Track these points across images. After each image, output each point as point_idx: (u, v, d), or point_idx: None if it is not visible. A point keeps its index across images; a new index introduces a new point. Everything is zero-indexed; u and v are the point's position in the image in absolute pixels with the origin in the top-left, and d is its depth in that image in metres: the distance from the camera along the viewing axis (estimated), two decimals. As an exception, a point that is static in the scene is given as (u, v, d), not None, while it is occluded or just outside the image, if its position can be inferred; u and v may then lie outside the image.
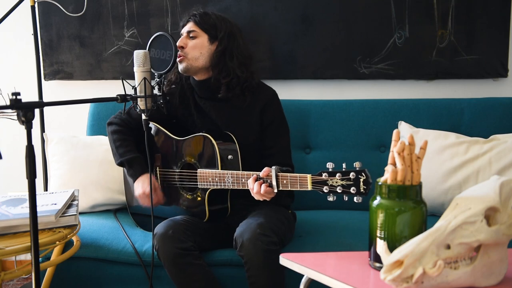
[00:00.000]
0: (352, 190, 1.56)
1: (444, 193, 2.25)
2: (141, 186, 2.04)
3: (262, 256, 1.77)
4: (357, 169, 1.53)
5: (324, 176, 1.61)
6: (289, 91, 2.61)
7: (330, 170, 1.59)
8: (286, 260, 1.42)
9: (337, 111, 2.51)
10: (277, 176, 1.73)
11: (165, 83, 2.20)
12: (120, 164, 2.11)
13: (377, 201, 1.30)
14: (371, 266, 1.34)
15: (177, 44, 2.04)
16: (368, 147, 2.47)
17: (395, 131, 1.33)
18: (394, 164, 1.28)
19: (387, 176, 1.29)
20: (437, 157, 2.29)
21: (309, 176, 1.65)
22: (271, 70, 2.59)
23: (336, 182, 1.59)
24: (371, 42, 2.55)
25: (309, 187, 1.66)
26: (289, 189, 1.72)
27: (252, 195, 1.81)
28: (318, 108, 2.52)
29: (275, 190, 1.75)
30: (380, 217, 1.28)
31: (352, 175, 1.55)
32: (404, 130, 2.37)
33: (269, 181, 1.75)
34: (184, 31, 2.09)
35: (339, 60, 2.58)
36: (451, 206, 1.19)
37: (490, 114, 2.43)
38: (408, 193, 1.27)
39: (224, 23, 2.08)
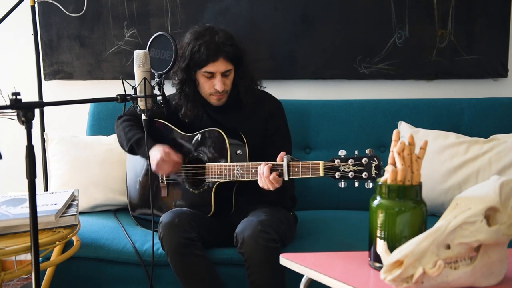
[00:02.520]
0: (364, 175, 1.63)
1: (444, 193, 2.25)
2: (155, 155, 1.96)
3: (263, 253, 1.78)
4: (369, 155, 1.61)
5: (337, 162, 1.67)
6: (289, 91, 2.61)
7: (342, 156, 1.65)
8: (286, 260, 1.42)
9: (337, 111, 2.51)
10: (288, 164, 1.76)
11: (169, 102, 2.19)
12: (130, 149, 2.07)
13: (377, 201, 1.30)
14: (371, 266, 1.34)
15: (218, 88, 1.98)
16: (368, 147, 2.43)
17: (395, 131, 1.33)
18: (394, 164, 1.28)
19: (387, 176, 1.29)
20: (437, 157, 2.29)
21: (321, 162, 1.71)
22: (271, 70, 2.59)
23: (348, 167, 1.65)
24: (371, 42, 2.55)
25: (321, 173, 1.71)
26: (300, 176, 1.75)
27: (259, 181, 1.82)
28: (318, 108, 2.52)
29: (286, 178, 1.77)
30: (380, 217, 1.28)
31: (364, 160, 1.63)
32: (404, 130, 2.37)
33: (280, 169, 1.77)
34: (217, 70, 1.97)
35: (339, 60, 2.58)
36: (451, 206, 1.19)
37: (490, 114, 2.44)
38: (408, 193, 1.27)
39: (243, 47, 2.04)
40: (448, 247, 1.14)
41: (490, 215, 1.17)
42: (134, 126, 2.12)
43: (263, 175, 1.79)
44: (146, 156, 2.02)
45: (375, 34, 2.55)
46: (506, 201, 1.18)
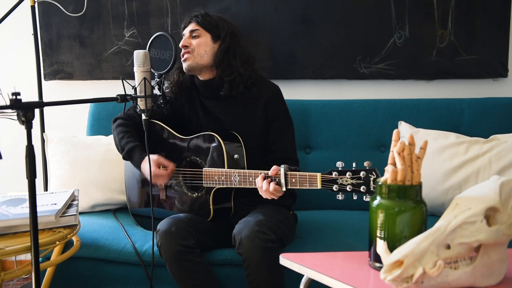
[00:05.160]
0: (362, 189, 1.59)
1: (444, 193, 2.25)
2: (147, 169, 1.97)
3: (260, 253, 1.77)
4: (367, 168, 1.57)
5: (334, 175, 1.64)
6: (289, 91, 2.60)
7: (340, 169, 1.62)
8: (286, 260, 1.42)
9: (337, 111, 2.51)
10: (286, 175, 1.74)
11: (166, 84, 2.20)
12: (124, 157, 2.11)
13: (377, 201, 1.30)
14: (371, 266, 1.34)
15: (181, 44, 2.07)
16: (368, 147, 2.47)
17: (395, 131, 1.33)
18: (394, 164, 1.28)
19: (387, 176, 1.29)
20: (437, 157, 2.29)
21: (319, 174, 1.68)
22: (271, 70, 2.59)
23: (346, 181, 1.62)
24: (371, 42, 2.55)
25: (319, 186, 1.68)
26: (298, 187, 1.74)
27: (260, 193, 1.82)
28: (318, 108, 2.52)
29: (283, 189, 1.76)
30: (380, 217, 1.28)
31: (362, 174, 1.58)
32: (404, 130, 2.37)
33: (277, 179, 1.76)
34: (186, 31, 2.10)
35: (339, 60, 2.58)
36: (451, 206, 1.19)
37: (490, 114, 2.43)
38: (408, 193, 1.27)
39: (226, 23, 2.11)
40: (448, 247, 1.14)
41: (490, 215, 1.17)
42: (128, 132, 2.13)
43: (263, 189, 1.79)
44: (138, 165, 2.04)
45: (375, 34, 2.54)
46: (506, 201, 1.18)
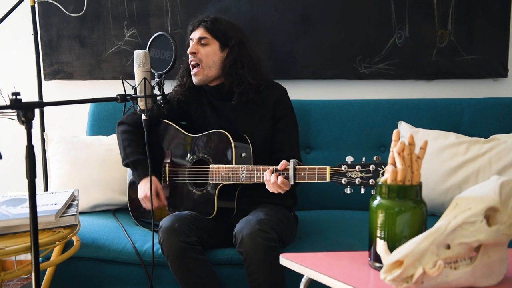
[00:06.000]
0: (371, 182, 1.63)
1: (444, 193, 2.25)
2: (143, 189, 2.07)
3: (262, 251, 1.78)
4: (377, 162, 1.61)
5: (344, 168, 1.68)
6: (289, 91, 2.60)
7: (349, 162, 1.66)
8: (286, 260, 1.42)
9: (337, 111, 2.51)
10: (295, 168, 1.76)
11: (176, 89, 2.20)
12: (126, 165, 2.15)
13: (377, 201, 1.30)
14: (371, 266, 1.34)
15: (189, 50, 2.07)
16: (368, 147, 2.47)
17: (395, 131, 1.33)
18: (394, 164, 1.28)
19: (387, 176, 1.29)
20: (437, 157, 2.29)
21: (328, 168, 1.71)
22: (272, 70, 2.58)
23: (355, 174, 1.65)
24: (371, 42, 2.55)
25: (328, 179, 1.71)
26: (306, 181, 1.76)
27: (268, 187, 1.84)
28: (318, 108, 2.52)
29: (292, 182, 1.78)
30: (380, 217, 1.28)
31: (371, 167, 1.63)
32: (404, 130, 2.37)
33: (285, 173, 1.78)
34: (194, 36, 2.09)
35: (339, 60, 2.58)
36: (451, 206, 1.19)
37: (490, 114, 2.44)
38: (408, 193, 1.27)
39: (234, 30, 2.10)
40: (448, 247, 1.14)
41: (490, 215, 1.17)
42: (134, 142, 2.15)
43: (270, 182, 1.80)
44: (139, 179, 2.10)
45: (375, 34, 2.54)
46: (506, 201, 1.18)
